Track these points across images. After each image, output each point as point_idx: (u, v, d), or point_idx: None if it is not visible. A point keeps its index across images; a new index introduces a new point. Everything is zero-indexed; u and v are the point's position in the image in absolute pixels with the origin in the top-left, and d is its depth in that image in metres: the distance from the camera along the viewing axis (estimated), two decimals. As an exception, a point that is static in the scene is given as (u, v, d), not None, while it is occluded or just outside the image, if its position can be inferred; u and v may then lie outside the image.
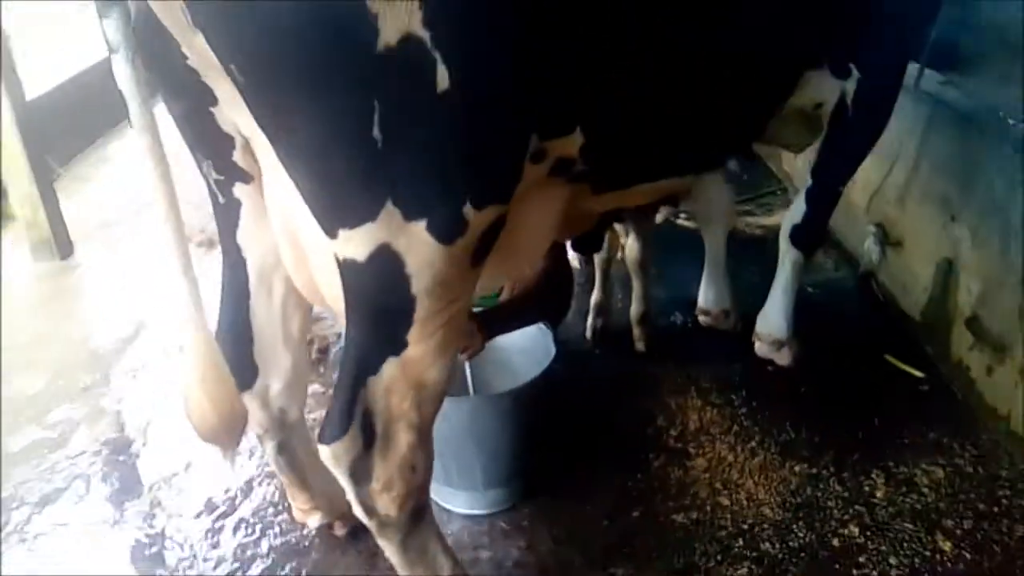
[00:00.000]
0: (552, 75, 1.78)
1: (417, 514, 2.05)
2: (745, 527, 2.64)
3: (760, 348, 3.25)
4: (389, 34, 1.55)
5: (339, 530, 2.66)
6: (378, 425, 1.93)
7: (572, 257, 3.60)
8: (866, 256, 3.81)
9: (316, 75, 1.58)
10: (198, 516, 2.80)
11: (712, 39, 2.11)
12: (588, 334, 3.57)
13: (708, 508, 2.72)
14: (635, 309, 3.48)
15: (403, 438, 1.94)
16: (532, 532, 2.69)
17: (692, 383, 3.30)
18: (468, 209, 1.77)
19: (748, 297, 3.28)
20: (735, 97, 2.31)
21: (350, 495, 1.99)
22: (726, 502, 2.74)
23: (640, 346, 3.48)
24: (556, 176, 2.04)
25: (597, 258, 3.48)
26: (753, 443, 2.98)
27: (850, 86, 2.67)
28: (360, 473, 1.95)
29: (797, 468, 2.87)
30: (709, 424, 3.08)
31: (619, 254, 3.59)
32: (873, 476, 2.81)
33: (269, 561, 2.62)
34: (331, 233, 1.77)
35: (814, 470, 2.86)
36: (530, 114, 1.82)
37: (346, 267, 1.80)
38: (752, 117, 2.52)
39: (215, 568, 2.60)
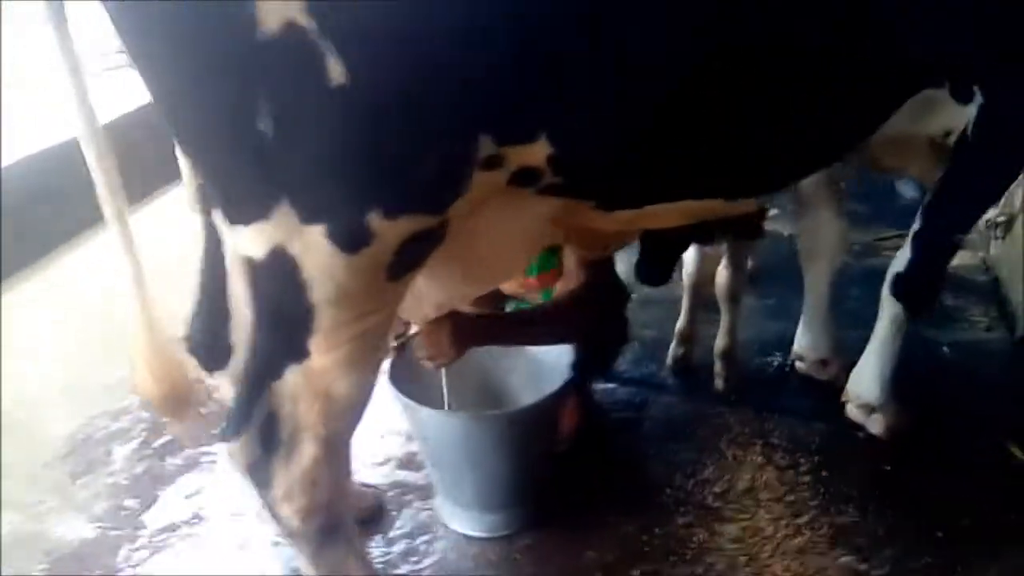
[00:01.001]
0: (501, 69, 1.56)
1: (327, 530, 1.93)
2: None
3: (850, 410, 2.84)
4: (270, 22, 1.44)
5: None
6: (283, 431, 1.83)
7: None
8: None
9: (195, 63, 1.51)
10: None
11: (748, 21, 1.73)
12: (669, 362, 3.26)
13: (720, 584, 2.38)
14: (719, 343, 3.12)
15: (307, 450, 1.83)
16: (519, 567, 2.48)
17: (761, 436, 2.90)
18: (374, 217, 1.61)
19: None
20: (786, 107, 1.93)
21: (257, 497, 1.92)
22: (743, 582, 2.38)
23: (719, 384, 3.12)
24: (521, 187, 1.81)
25: (686, 281, 3.15)
26: (803, 519, 2.57)
27: (972, 112, 2.20)
28: (260, 477, 1.87)
29: (844, 559, 2.43)
30: (761, 487, 2.70)
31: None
32: (937, 593, 2.32)
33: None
34: (229, 228, 1.69)
35: (864, 566, 2.41)
36: (473, 114, 1.62)
37: (245, 264, 1.71)
38: (815, 136, 2.09)
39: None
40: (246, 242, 1.66)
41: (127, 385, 2.55)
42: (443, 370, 2.50)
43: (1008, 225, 3.44)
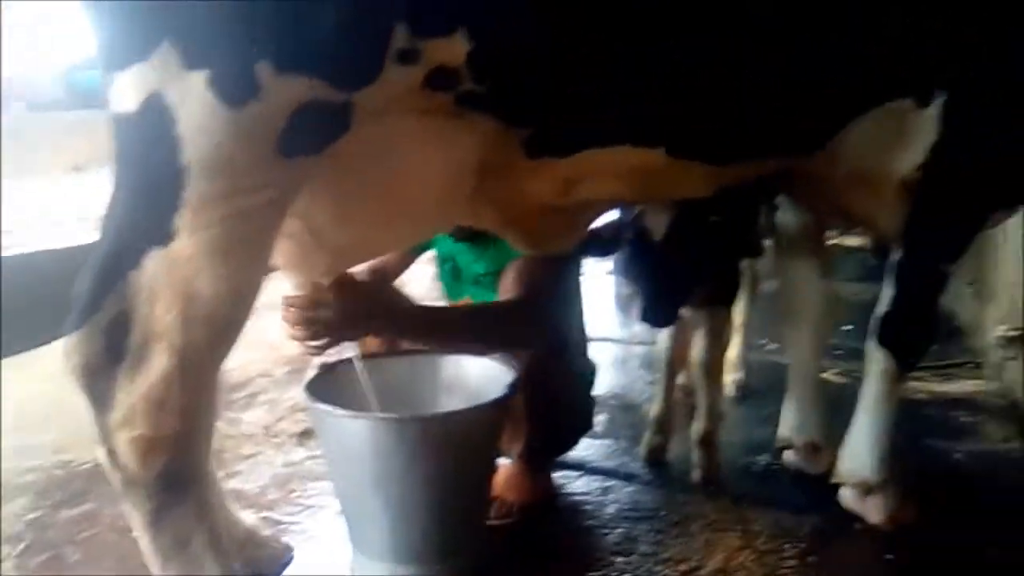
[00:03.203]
0: None
1: (173, 482, 1.60)
2: None
3: (844, 495, 2.44)
4: None
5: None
6: (133, 337, 1.55)
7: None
8: (1045, 424, 2.79)
9: None
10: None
11: None
12: (642, 452, 2.87)
13: None
14: (696, 427, 2.74)
15: (158, 362, 1.55)
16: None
17: (741, 523, 2.46)
18: (264, 68, 1.45)
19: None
20: (734, 65, 1.79)
21: (93, 426, 1.59)
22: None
23: (695, 476, 2.70)
24: (438, 92, 1.64)
25: (663, 356, 2.84)
26: (784, 600, 2.10)
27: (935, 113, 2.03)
28: (99, 391, 1.57)
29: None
30: (736, 568, 2.24)
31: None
32: None
33: None
34: (107, 81, 1.52)
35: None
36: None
37: (118, 123, 1.53)
38: (764, 111, 1.93)
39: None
40: (120, 94, 1.50)
41: None
42: (369, 384, 2.18)
43: (1021, 340, 3.14)
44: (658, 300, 2.49)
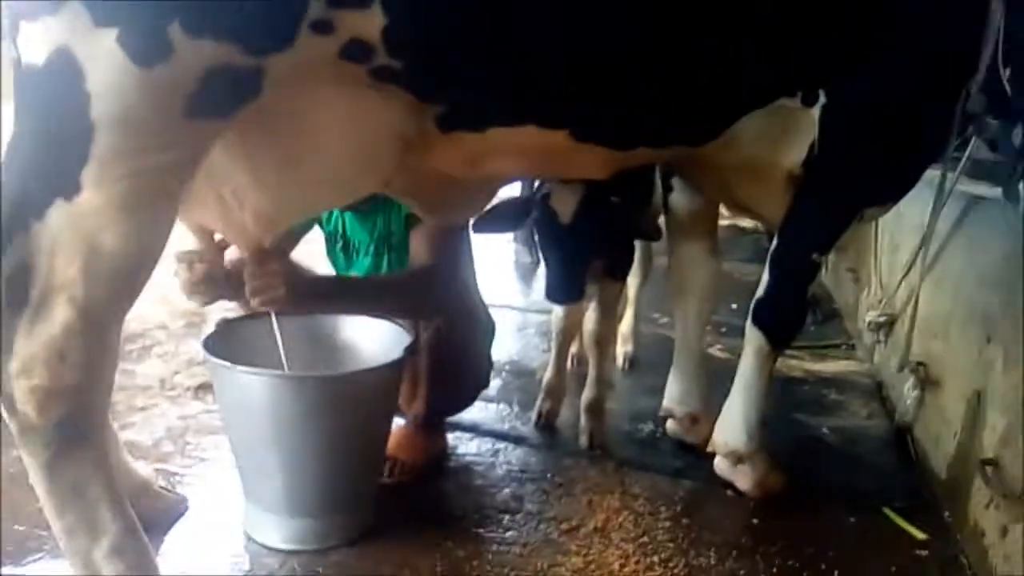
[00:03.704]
0: None
1: (71, 432, 1.61)
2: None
3: (718, 464, 2.60)
4: None
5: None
6: (34, 287, 1.55)
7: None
8: (903, 403, 3.02)
9: None
10: None
11: None
12: (533, 417, 2.99)
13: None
14: (586, 395, 2.88)
15: (59, 313, 1.56)
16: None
17: (622, 487, 2.61)
18: (175, 30, 1.45)
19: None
20: (633, 51, 1.87)
21: None
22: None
23: (583, 441, 2.84)
24: (353, 64, 1.67)
25: (554, 327, 2.94)
26: (656, 557, 2.25)
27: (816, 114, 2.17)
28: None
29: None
30: (615, 527, 2.38)
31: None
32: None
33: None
34: (14, 30, 1.50)
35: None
36: None
37: (26, 75, 1.51)
38: (659, 97, 2.01)
39: None
40: (29, 44, 1.48)
41: None
42: (279, 340, 2.22)
43: (890, 327, 3.37)
44: (564, 278, 2.60)
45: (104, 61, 1.46)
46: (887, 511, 2.51)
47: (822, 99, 2.14)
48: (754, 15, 1.93)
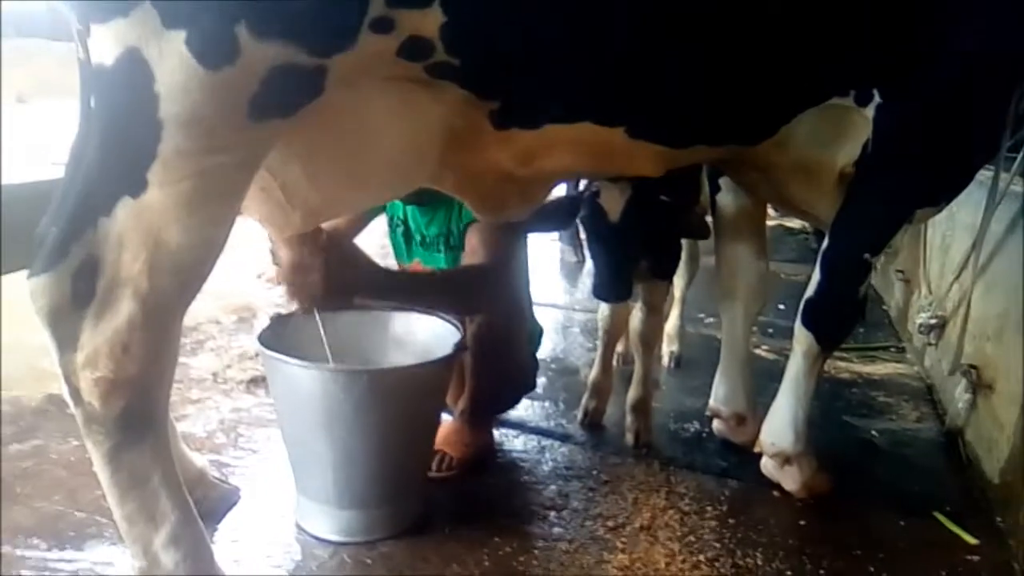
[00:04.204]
0: None
1: (133, 422, 1.66)
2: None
3: (765, 465, 2.60)
4: None
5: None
6: (100, 281, 1.61)
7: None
8: (954, 406, 2.98)
9: None
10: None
11: None
12: (579, 415, 3.01)
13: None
14: (632, 394, 2.89)
15: (125, 307, 1.60)
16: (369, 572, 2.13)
17: (668, 485, 2.61)
18: (242, 33, 1.49)
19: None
20: (690, 57, 1.89)
21: (57, 363, 1.65)
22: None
23: (629, 439, 2.85)
24: (411, 60, 1.70)
25: (600, 326, 2.96)
26: (702, 556, 2.25)
27: (870, 113, 2.15)
28: (65, 332, 1.62)
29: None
30: (660, 526, 2.39)
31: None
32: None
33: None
34: (84, 32, 1.55)
35: (766, 605, 2.09)
36: None
37: (96, 75, 1.56)
38: (713, 100, 2.03)
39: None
40: (99, 46, 1.53)
41: None
42: (323, 335, 2.26)
43: (941, 329, 3.33)
44: (613, 277, 2.61)
45: (172, 62, 1.50)
46: (938, 515, 2.48)
47: (876, 98, 2.13)
48: (810, 14, 1.93)
